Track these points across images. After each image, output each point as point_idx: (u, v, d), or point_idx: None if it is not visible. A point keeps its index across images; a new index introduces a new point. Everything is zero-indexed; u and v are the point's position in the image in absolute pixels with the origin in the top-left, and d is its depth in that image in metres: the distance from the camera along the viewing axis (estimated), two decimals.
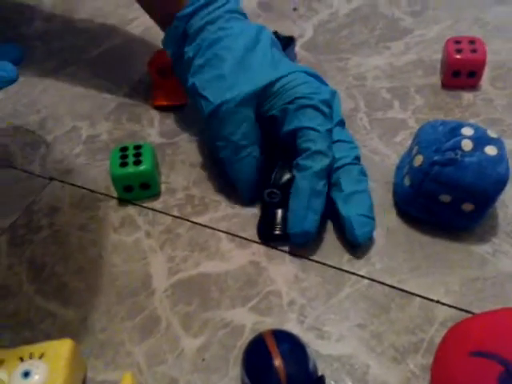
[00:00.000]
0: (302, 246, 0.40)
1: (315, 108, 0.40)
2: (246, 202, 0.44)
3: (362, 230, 0.39)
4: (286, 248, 0.41)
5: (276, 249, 0.41)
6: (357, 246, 0.40)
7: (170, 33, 0.45)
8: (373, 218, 0.39)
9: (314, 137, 0.39)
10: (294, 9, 0.66)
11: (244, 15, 0.46)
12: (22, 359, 0.32)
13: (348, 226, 0.39)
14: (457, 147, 0.37)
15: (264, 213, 0.42)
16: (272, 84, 0.41)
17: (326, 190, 0.39)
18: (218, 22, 0.43)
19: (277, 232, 0.41)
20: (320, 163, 0.39)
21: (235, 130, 0.41)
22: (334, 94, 0.43)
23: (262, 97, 0.41)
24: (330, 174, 0.40)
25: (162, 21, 0.47)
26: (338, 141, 0.41)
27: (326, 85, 0.43)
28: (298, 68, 0.42)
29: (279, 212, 0.41)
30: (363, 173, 0.41)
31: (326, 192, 0.39)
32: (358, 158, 0.41)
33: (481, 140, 0.38)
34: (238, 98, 0.40)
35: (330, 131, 0.40)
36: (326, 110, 0.40)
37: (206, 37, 0.43)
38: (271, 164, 0.43)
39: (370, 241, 0.40)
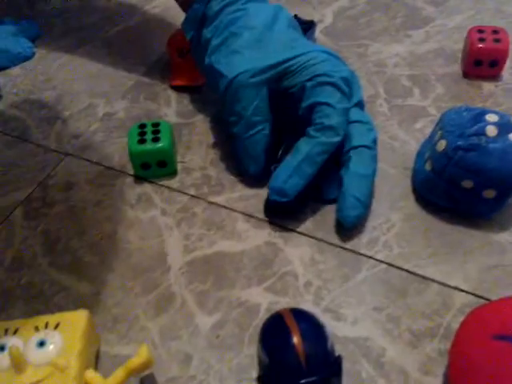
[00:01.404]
0: (279, 213, 0.41)
1: (334, 85, 0.39)
2: (251, 174, 0.44)
3: (350, 213, 0.39)
4: (303, 230, 0.40)
5: (292, 230, 0.41)
6: (347, 228, 0.40)
7: (190, 15, 0.45)
8: (365, 205, 0.39)
9: (329, 112, 0.39)
10: None
11: None
12: (37, 328, 0.32)
13: (340, 206, 0.39)
14: (481, 133, 0.37)
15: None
16: (289, 61, 0.40)
17: (322, 163, 0.39)
18: (236, 3, 0.43)
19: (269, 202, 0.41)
20: (328, 138, 0.39)
21: (248, 105, 0.41)
22: (353, 74, 0.42)
23: (279, 74, 0.41)
24: (340, 151, 0.40)
25: (183, 3, 0.47)
26: (356, 121, 0.41)
27: (346, 65, 0.42)
28: (316, 47, 0.42)
29: None
30: (374, 158, 0.40)
31: (320, 165, 0.39)
32: (374, 141, 0.41)
33: (505, 127, 0.37)
34: (251, 72, 0.40)
35: (346, 110, 0.40)
36: (344, 88, 0.40)
37: (223, 18, 0.43)
38: (282, 142, 0.43)
39: (356, 225, 0.40)
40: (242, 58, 0.41)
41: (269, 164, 0.43)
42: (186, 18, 0.45)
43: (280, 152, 0.43)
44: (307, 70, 0.40)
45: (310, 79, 0.40)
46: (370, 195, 0.40)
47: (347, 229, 0.40)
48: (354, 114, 0.41)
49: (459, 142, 0.37)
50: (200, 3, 0.43)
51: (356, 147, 0.40)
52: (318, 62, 0.40)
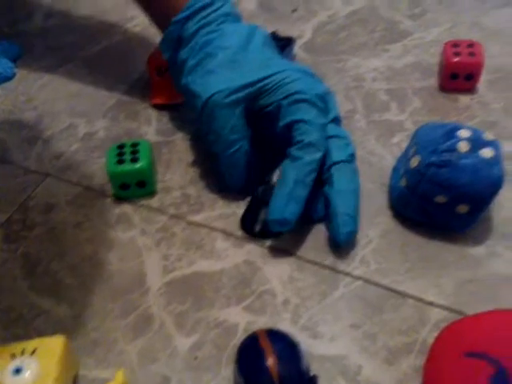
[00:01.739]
0: (280, 235, 0.41)
1: (309, 102, 0.40)
2: (233, 190, 0.44)
3: (344, 230, 0.39)
4: (282, 248, 0.41)
5: (271, 248, 0.41)
6: (341, 247, 0.40)
7: (167, 37, 0.45)
8: (356, 220, 0.40)
9: (307, 129, 0.39)
10: (294, 10, 0.66)
11: (238, 17, 0.46)
12: (13, 355, 0.32)
13: (332, 224, 0.40)
14: (453, 149, 0.37)
15: (251, 207, 0.42)
16: (264, 80, 0.41)
17: (312, 182, 0.39)
18: (211, 25, 0.43)
19: (257, 229, 0.41)
20: (311, 155, 0.39)
21: (224, 124, 0.41)
22: (328, 91, 0.43)
23: (254, 93, 0.41)
24: (321, 168, 0.40)
25: (160, 24, 0.48)
26: (333, 136, 0.41)
27: (321, 83, 0.43)
28: (291, 66, 0.42)
29: (265, 210, 0.41)
30: (355, 172, 0.41)
31: (311, 184, 0.39)
32: (352, 155, 0.41)
33: (477, 142, 0.38)
34: (226, 91, 0.41)
35: (324, 125, 0.40)
36: (320, 104, 0.40)
37: (199, 40, 0.43)
38: (263, 163, 0.43)
39: (350, 242, 0.40)
40: (217, 78, 0.41)
41: (251, 180, 0.43)
42: (162, 39, 0.46)
43: (273, 175, 0.44)
44: (282, 89, 0.40)
45: (285, 97, 0.40)
46: (359, 209, 0.41)
47: (341, 246, 0.40)
48: (331, 129, 0.41)
49: (432, 159, 0.37)
50: (175, 25, 0.44)
51: (337, 163, 0.40)
52: (293, 80, 0.41)
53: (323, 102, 0.41)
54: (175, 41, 0.44)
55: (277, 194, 0.39)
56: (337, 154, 0.40)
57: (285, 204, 0.39)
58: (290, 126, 0.40)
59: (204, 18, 0.43)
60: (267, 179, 0.43)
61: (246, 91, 0.41)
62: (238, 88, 0.41)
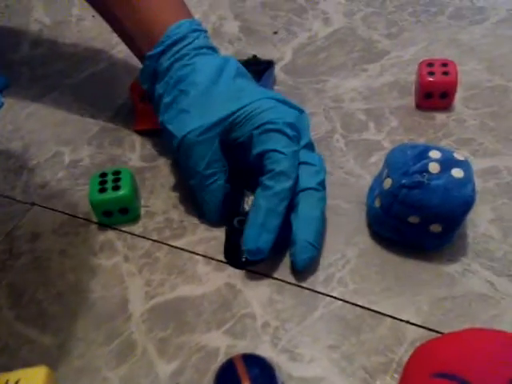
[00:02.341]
0: (257, 263, 0.41)
1: (280, 131, 0.41)
2: (212, 222, 0.45)
3: (302, 256, 0.40)
4: (262, 270, 0.42)
5: (251, 271, 0.42)
6: (299, 271, 0.41)
7: (144, 70, 0.47)
8: (316, 247, 0.40)
9: (278, 158, 0.40)
10: (275, 32, 0.67)
11: (213, 49, 0.47)
12: None
13: (292, 250, 0.40)
14: (424, 170, 0.38)
15: (232, 239, 0.43)
16: (235, 114, 0.42)
17: (285, 211, 0.40)
18: (184, 59, 0.45)
19: (243, 259, 0.41)
20: (282, 184, 0.40)
21: (199, 161, 0.42)
22: (300, 117, 0.44)
23: (227, 127, 0.42)
24: (293, 194, 0.41)
25: (138, 57, 0.49)
26: (305, 163, 0.42)
27: (294, 108, 0.44)
28: (262, 95, 0.43)
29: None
30: (322, 199, 0.42)
31: (284, 213, 0.40)
32: (321, 183, 0.42)
33: (448, 163, 0.39)
34: (199, 130, 0.42)
35: (295, 153, 0.41)
36: (290, 132, 0.41)
37: (173, 75, 0.44)
38: (239, 191, 0.44)
39: (309, 267, 0.41)
40: (190, 116, 0.43)
41: (229, 211, 0.44)
42: (140, 73, 0.47)
43: (242, 203, 0.44)
44: (253, 120, 0.42)
45: (256, 128, 0.41)
46: (321, 237, 0.42)
47: (300, 271, 0.41)
48: (303, 155, 0.42)
49: (403, 181, 0.38)
50: (150, 60, 0.45)
51: (304, 189, 0.41)
52: (263, 110, 0.42)
53: (294, 129, 0.42)
54: (152, 74, 0.46)
55: (250, 224, 0.40)
56: (305, 181, 0.41)
57: (258, 234, 0.40)
58: (261, 155, 0.41)
59: (177, 52, 0.44)
60: (242, 208, 0.44)
61: (220, 127, 0.42)
62: (212, 125, 0.42)
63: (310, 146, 0.44)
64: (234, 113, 0.42)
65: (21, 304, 0.42)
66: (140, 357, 0.37)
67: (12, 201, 0.50)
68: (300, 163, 0.42)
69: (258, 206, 0.40)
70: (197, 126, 0.42)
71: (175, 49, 0.44)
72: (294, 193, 0.41)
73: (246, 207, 0.44)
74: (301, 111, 0.45)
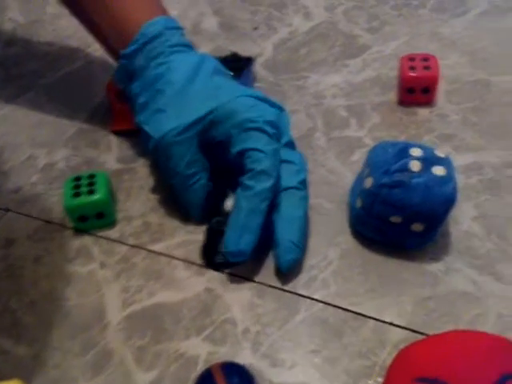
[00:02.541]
0: (241, 263, 0.40)
1: (259, 130, 0.40)
2: (196, 221, 0.44)
3: (286, 258, 0.39)
4: (242, 273, 0.41)
5: (231, 275, 0.41)
6: (284, 273, 0.40)
7: (119, 69, 0.45)
8: (300, 247, 0.40)
9: (258, 157, 0.39)
10: (255, 28, 0.66)
11: (189, 47, 0.45)
12: None
13: (276, 251, 0.40)
14: (405, 168, 0.37)
15: (210, 239, 0.42)
16: (213, 113, 0.41)
17: (266, 210, 0.39)
18: (159, 57, 0.43)
19: (220, 260, 0.41)
20: (262, 184, 0.39)
21: (179, 162, 0.41)
22: (280, 115, 0.43)
23: (205, 125, 0.41)
24: (275, 194, 0.40)
25: (114, 56, 0.48)
26: (285, 161, 0.41)
27: (274, 106, 0.43)
28: (241, 92, 0.42)
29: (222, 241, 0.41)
30: (304, 198, 0.41)
31: (265, 212, 0.39)
32: (303, 182, 0.41)
33: (429, 160, 0.38)
34: (177, 130, 0.41)
35: (276, 151, 0.40)
36: (270, 130, 0.40)
37: (149, 74, 0.43)
38: (220, 190, 0.43)
39: (294, 269, 0.40)
40: (166, 116, 0.41)
41: (209, 209, 0.43)
42: (115, 72, 0.45)
43: (222, 203, 0.43)
44: (232, 118, 0.40)
45: (235, 126, 0.40)
46: (304, 237, 0.41)
47: (285, 273, 0.40)
48: (284, 154, 0.41)
49: (384, 180, 0.37)
50: (125, 59, 0.44)
51: (285, 189, 0.40)
52: (242, 108, 0.41)
53: (274, 127, 0.41)
54: (127, 73, 0.44)
55: (231, 226, 0.39)
56: (287, 181, 0.40)
57: (239, 235, 0.39)
58: (241, 154, 0.40)
59: (152, 50, 0.43)
60: (222, 208, 0.43)
61: (198, 126, 0.41)
62: (189, 124, 0.41)
63: (290, 145, 0.43)
64: (212, 111, 0.41)
65: None
66: (117, 366, 0.36)
67: None
68: (281, 162, 0.41)
69: (239, 206, 0.39)
70: (174, 126, 0.41)
71: (150, 47, 0.43)
72: (276, 192, 0.40)
73: (227, 207, 0.43)
74: (281, 109, 0.44)
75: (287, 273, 0.40)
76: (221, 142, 0.42)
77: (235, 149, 0.41)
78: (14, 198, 0.49)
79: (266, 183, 0.39)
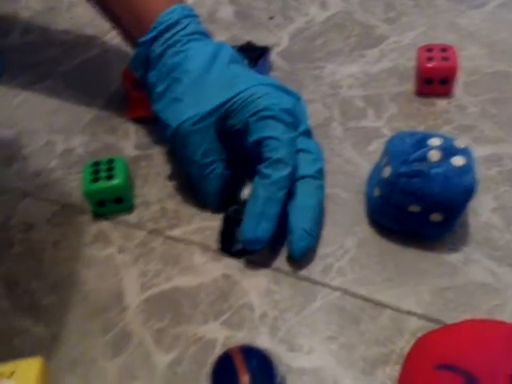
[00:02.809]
0: (252, 252, 0.41)
1: (276, 118, 0.40)
2: (214, 210, 0.45)
3: (299, 245, 0.39)
4: (259, 260, 0.41)
5: (248, 261, 0.41)
6: (296, 260, 0.40)
7: (136, 57, 0.45)
8: (313, 236, 0.40)
9: (275, 145, 0.39)
10: (271, 17, 0.66)
11: (205, 35, 0.46)
12: None
13: (289, 238, 0.40)
14: (424, 158, 0.37)
15: (227, 228, 0.42)
16: (230, 101, 0.41)
17: (283, 199, 0.39)
18: (176, 45, 0.43)
19: (238, 248, 0.41)
20: (279, 172, 0.39)
21: (195, 150, 0.42)
22: (297, 103, 0.43)
23: (222, 115, 0.41)
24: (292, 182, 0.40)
25: (131, 44, 0.48)
26: (302, 150, 0.41)
27: (291, 94, 0.43)
28: (257, 81, 0.42)
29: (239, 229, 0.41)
30: (320, 187, 0.41)
31: (283, 201, 0.39)
32: (319, 171, 0.41)
33: (448, 150, 0.38)
34: (194, 119, 0.41)
35: (293, 139, 0.40)
36: (287, 118, 0.40)
37: (166, 62, 0.43)
38: (238, 179, 0.43)
39: (306, 256, 0.40)
40: (184, 105, 0.42)
41: (226, 200, 0.43)
42: (132, 60, 0.46)
43: (240, 192, 0.44)
44: (248, 107, 0.41)
45: (252, 115, 0.40)
46: (318, 225, 0.41)
47: (297, 260, 0.40)
48: (301, 142, 0.41)
49: (402, 169, 0.37)
50: (142, 47, 0.44)
51: (302, 177, 0.40)
52: (259, 96, 0.41)
53: (291, 115, 0.41)
54: (144, 61, 0.45)
55: (248, 213, 0.40)
56: (303, 169, 0.40)
57: (256, 223, 0.39)
58: (258, 143, 0.40)
59: (169, 38, 0.43)
60: (239, 196, 0.43)
61: (215, 115, 0.41)
62: (206, 113, 0.41)
63: (307, 133, 0.43)
64: (229, 100, 0.41)
65: (15, 294, 0.41)
66: (137, 347, 0.37)
67: (4, 190, 0.49)
68: (298, 150, 0.41)
69: (256, 195, 0.39)
70: (191, 114, 0.41)
71: (167, 35, 0.43)
72: (292, 180, 0.40)
73: (244, 196, 0.43)
74: (298, 98, 0.44)
75: (299, 259, 0.40)
76: (238, 130, 0.42)
77: (252, 137, 0.41)
78: (33, 183, 0.49)
79: (283, 172, 0.39)
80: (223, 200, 0.44)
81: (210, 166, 0.42)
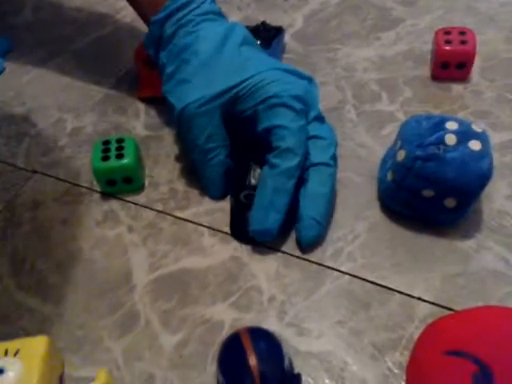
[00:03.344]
0: (265, 242, 0.40)
1: (285, 105, 0.39)
2: (213, 199, 0.44)
3: (308, 233, 0.39)
4: (269, 243, 0.40)
5: (258, 244, 0.40)
6: (304, 248, 0.40)
7: (149, 35, 0.45)
8: (322, 224, 0.39)
9: (284, 134, 0.39)
10: None
11: (219, 15, 0.45)
12: None
13: (297, 226, 0.39)
14: (440, 142, 0.37)
15: (239, 213, 0.42)
16: (239, 86, 0.40)
17: (293, 189, 0.39)
18: (188, 26, 0.42)
19: (249, 234, 0.40)
20: (288, 162, 0.38)
21: (199, 134, 0.41)
22: (309, 87, 0.42)
23: (231, 99, 0.40)
24: (302, 170, 0.39)
25: (144, 21, 0.47)
26: (314, 137, 0.40)
27: (303, 77, 0.42)
28: (268, 66, 0.41)
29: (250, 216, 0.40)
30: (332, 176, 0.40)
31: (292, 191, 0.39)
32: (332, 157, 0.40)
33: (465, 134, 0.37)
34: (199, 102, 0.40)
35: (302, 127, 0.40)
36: (297, 106, 0.39)
37: (177, 42, 0.43)
38: (247, 164, 0.43)
39: (315, 244, 0.40)
40: (191, 86, 0.41)
41: (236, 185, 0.43)
42: (145, 38, 0.45)
43: (248, 177, 0.43)
44: (258, 93, 0.40)
45: (261, 102, 0.40)
46: (328, 213, 0.40)
47: (305, 248, 0.40)
48: (313, 128, 0.41)
49: (417, 152, 0.37)
50: (155, 25, 0.43)
51: (315, 164, 0.39)
52: (269, 82, 0.40)
53: (301, 102, 0.40)
54: (156, 41, 0.44)
55: (257, 204, 0.39)
56: (316, 156, 0.40)
57: (265, 214, 0.38)
58: (268, 131, 0.40)
59: (181, 18, 0.42)
60: (249, 181, 0.42)
61: (222, 99, 0.40)
62: (213, 96, 0.40)
63: (319, 118, 0.42)
64: (237, 85, 0.40)
65: (22, 273, 0.41)
66: (143, 328, 0.37)
67: (13, 168, 0.49)
68: (310, 137, 0.40)
69: (265, 185, 0.39)
70: (197, 97, 0.40)
71: (180, 14, 0.42)
72: (304, 168, 0.39)
73: (253, 181, 0.42)
74: (310, 80, 0.43)
75: (308, 247, 0.40)
76: (248, 117, 0.41)
77: (261, 126, 0.40)
78: (43, 161, 0.49)
79: (292, 161, 0.39)
80: (223, 189, 0.43)
81: (212, 151, 0.42)
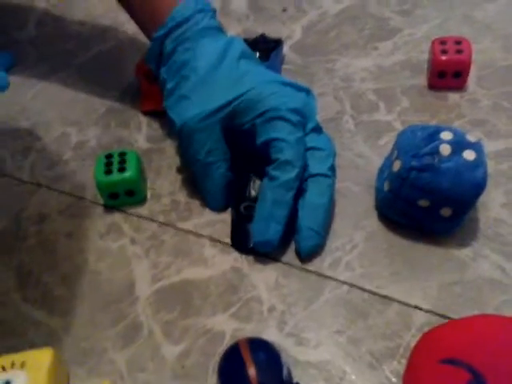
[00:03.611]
0: (267, 253, 0.41)
1: (283, 119, 0.40)
2: (213, 211, 0.45)
3: (306, 244, 0.40)
4: (268, 254, 0.41)
5: (258, 254, 0.41)
6: (303, 258, 0.40)
7: (150, 51, 0.46)
8: (321, 235, 0.40)
9: (282, 147, 0.39)
10: (284, 9, 0.66)
11: (218, 29, 0.46)
12: (4, 368, 0.33)
13: (296, 237, 0.40)
14: (435, 152, 0.37)
15: (239, 225, 0.42)
16: (236, 100, 0.41)
17: (292, 200, 0.40)
18: (187, 42, 0.43)
19: (250, 245, 0.41)
20: (287, 174, 0.39)
21: (199, 149, 0.42)
22: (306, 99, 0.43)
23: (229, 114, 0.41)
24: (301, 181, 0.40)
25: (146, 36, 0.48)
26: (313, 148, 0.41)
27: (300, 90, 0.43)
28: (265, 79, 0.42)
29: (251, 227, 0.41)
30: (330, 186, 0.41)
31: (291, 202, 0.40)
32: (331, 168, 0.41)
33: (459, 144, 0.38)
34: (199, 117, 0.41)
35: (301, 139, 0.40)
36: (294, 118, 0.40)
37: (176, 59, 0.44)
38: (247, 177, 0.44)
39: (313, 254, 0.40)
40: (190, 103, 0.42)
41: (236, 197, 0.44)
42: (147, 54, 0.46)
43: (248, 189, 0.44)
44: (255, 107, 0.41)
45: (259, 115, 0.40)
46: (326, 223, 0.41)
47: (303, 258, 0.40)
48: (311, 140, 0.41)
49: (413, 163, 0.37)
50: (155, 42, 0.44)
51: (313, 175, 0.40)
52: (266, 96, 0.41)
53: (299, 114, 0.41)
54: (157, 56, 0.45)
55: (257, 216, 0.40)
56: (314, 167, 0.40)
57: (266, 225, 0.39)
58: (266, 144, 0.40)
59: (180, 35, 0.43)
60: (249, 193, 0.43)
61: (221, 113, 0.41)
62: (212, 111, 0.41)
63: (317, 130, 0.42)
64: (235, 99, 0.41)
65: (28, 286, 0.42)
66: (146, 339, 0.37)
67: (19, 182, 0.50)
68: (308, 149, 0.41)
69: (265, 197, 0.40)
70: (196, 112, 0.41)
71: (179, 31, 0.43)
72: (303, 179, 0.40)
73: (253, 192, 0.43)
74: (308, 92, 0.44)
75: (306, 258, 0.40)
76: (247, 130, 0.42)
77: (259, 139, 0.41)
78: (48, 175, 0.50)
79: (291, 173, 0.39)
80: (224, 201, 0.44)
81: (213, 165, 0.43)
